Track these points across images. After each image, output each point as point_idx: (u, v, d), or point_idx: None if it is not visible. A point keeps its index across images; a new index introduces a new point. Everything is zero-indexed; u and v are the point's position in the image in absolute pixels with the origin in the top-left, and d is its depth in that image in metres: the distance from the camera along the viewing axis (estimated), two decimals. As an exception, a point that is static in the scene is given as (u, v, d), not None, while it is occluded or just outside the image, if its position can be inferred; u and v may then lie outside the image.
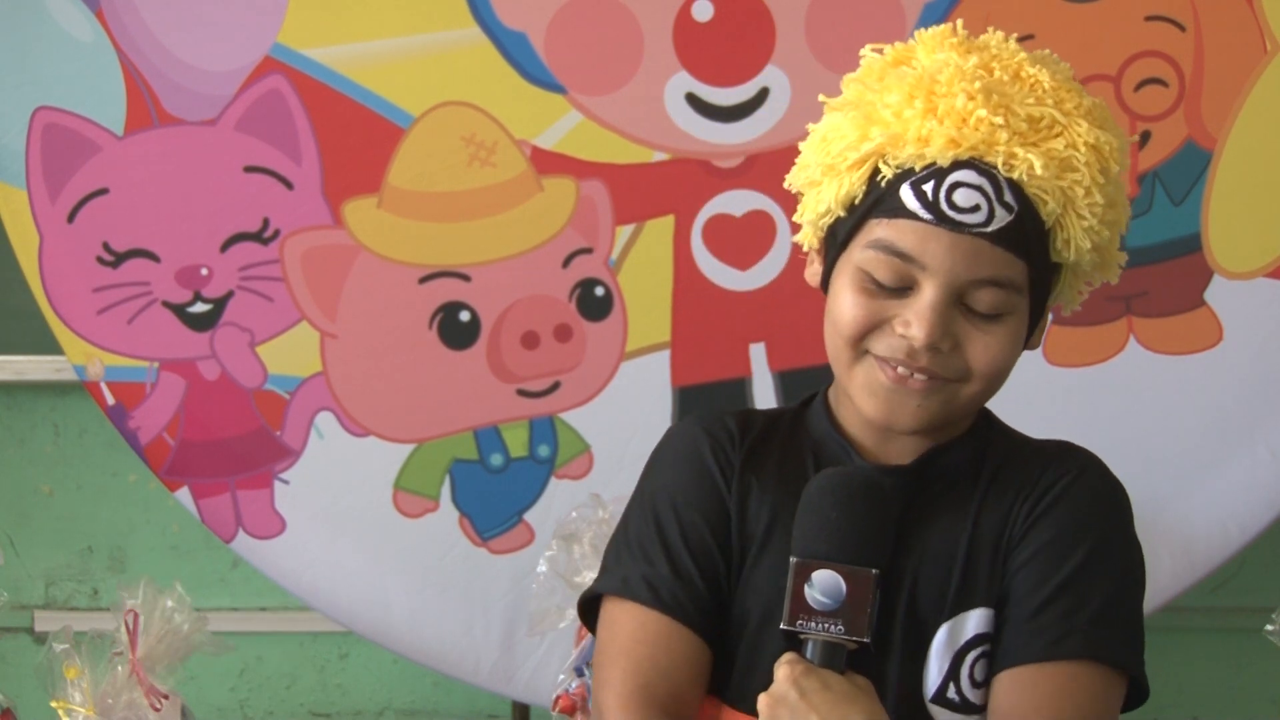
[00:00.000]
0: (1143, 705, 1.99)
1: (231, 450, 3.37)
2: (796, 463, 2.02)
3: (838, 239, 1.97)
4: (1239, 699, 3.79)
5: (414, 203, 3.35)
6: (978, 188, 1.90)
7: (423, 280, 3.36)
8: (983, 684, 1.96)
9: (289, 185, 3.35)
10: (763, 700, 1.86)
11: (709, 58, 3.34)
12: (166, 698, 2.80)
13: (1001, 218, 1.90)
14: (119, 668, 2.79)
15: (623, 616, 2.01)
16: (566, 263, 3.36)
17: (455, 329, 3.36)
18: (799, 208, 2.03)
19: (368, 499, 3.38)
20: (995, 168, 1.91)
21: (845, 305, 1.95)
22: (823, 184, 1.97)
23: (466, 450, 3.38)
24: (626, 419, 3.36)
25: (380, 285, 3.36)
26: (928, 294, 1.91)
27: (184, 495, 3.39)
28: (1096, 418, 3.33)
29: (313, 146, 3.34)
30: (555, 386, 3.37)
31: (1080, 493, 1.98)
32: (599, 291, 3.36)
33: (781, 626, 1.86)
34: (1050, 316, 2.05)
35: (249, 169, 3.35)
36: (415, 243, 3.35)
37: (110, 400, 3.37)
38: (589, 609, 2.07)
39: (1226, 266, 3.35)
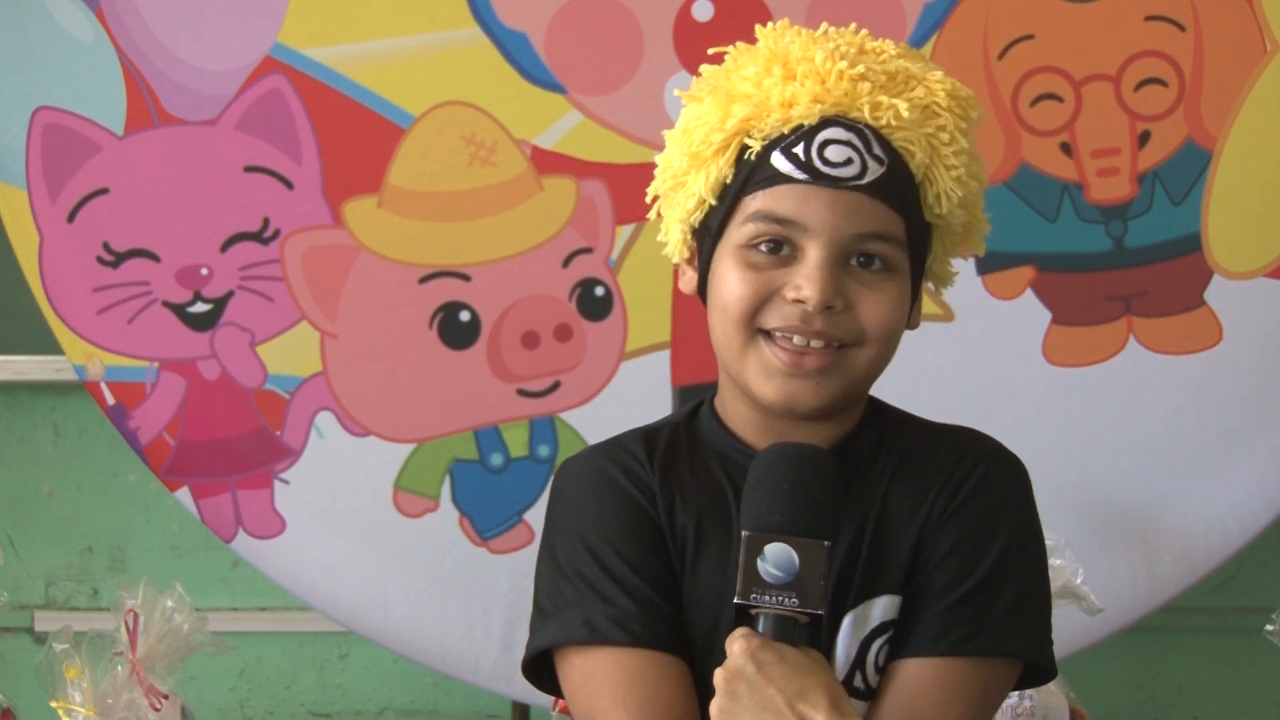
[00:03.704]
0: (1050, 680, 2.02)
1: (231, 450, 3.37)
2: (707, 474, 2.01)
3: (711, 230, 1.98)
4: (1239, 699, 3.79)
5: (414, 203, 3.35)
6: (847, 143, 1.93)
7: (423, 280, 3.36)
8: (884, 669, 1.97)
9: (289, 185, 3.35)
10: (719, 675, 1.84)
11: (709, 58, 3.34)
12: (166, 698, 2.80)
13: (874, 170, 1.93)
14: (119, 668, 2.79)
15: (598, 665, 1.96)
16: (566, 262, 3.36)
17: (455, 329, 3.36)
18: (663, 223, 2.04)
19: (368, 499, 3.38)
20: (861, 123, 1.94)
21: (730, 284, 1.95)
22: (689, 176, 1.99)
23: (466, 450, 3.38)
24: (627, 419, 3.30)
25: (380, 285, 3.36)
26: (814, 254, 1.93)
27: (184, 495, 3.39)
28: (1096, 418, 3.33)
29: (313, 146, 3.34)
30: (555, 386, 3.37)
31: (993, 484, 1.99)
32: (599, 291, 3.37)
33: (734, 601, 1.84)
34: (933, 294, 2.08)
35: (249, 169, 3.35)
36: (415, 243, 3.35)
37: (110, 400, 3.37)
38: (536, 665, 2.02)
39: (1226, 266, 3.35)
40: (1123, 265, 3.35)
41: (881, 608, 1.96)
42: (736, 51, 2.05)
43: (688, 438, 2.05)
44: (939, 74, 1.99)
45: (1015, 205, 3.31)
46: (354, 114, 3.34)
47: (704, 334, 3.35)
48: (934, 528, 1.96)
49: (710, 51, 2.08)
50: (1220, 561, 3.36)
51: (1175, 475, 3.34)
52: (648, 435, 2.06)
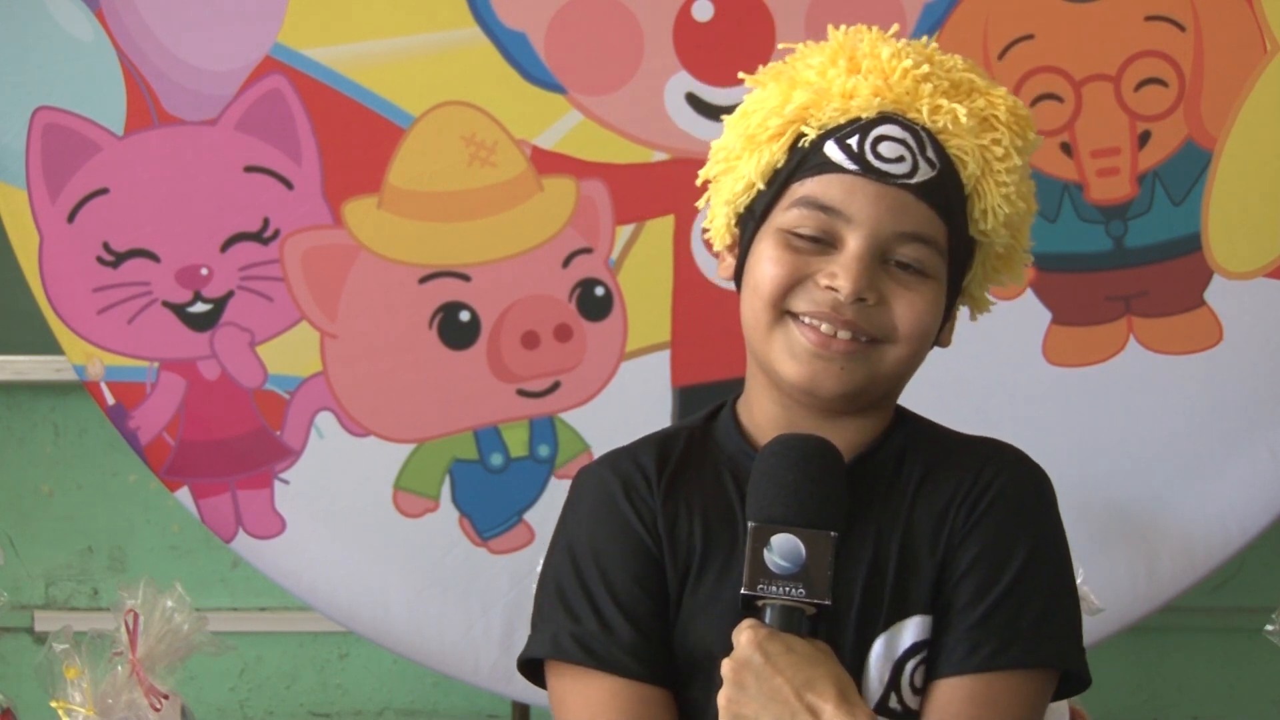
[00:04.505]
0: (1086, 690, 2.00)
1: (231, 450, 3.37)
2: (715, 482, 2.00)
3: (756, 215, 1.98)
4: (1239, 699, 3.79)
5: (414, 203, 3.35)
6: (902, 141, 1.93)
7: (423, 280, 3.36)
8: (922, 690, 1.95)
9: (289, 185, 3.35)
10: (726, 665, 1.84)
11: (709, 58, 3.34)
12: (166, 698, 2.80)
13: (925, 172, 1.93)
14: (119, 668, 2.79)
15: (565, 683, 1.97)
16: (566, 262, 3.36)
17: (455, 329, 3.36)
18: (710, 211, 2.05)
19: (368, 499, 3.38)
20: (919, 125, 1.94)
21: (765, 264, 1.96)
22: (741, 159, 1.99)
23: (466, 450, 3.38)
24: (626, 419, 3.35)
25: (380, 285, 3.36)
26: (853, 245, 1.92)
27: (184, 495, 3.39)
28: (1096, 418, 3.33)
29: (313, 146, 3.34)
30: (555, 386, 3.37)
31: (1012, 494, 1.97)
32: (599, 291, 3.36)
33: (741, 591, 1.83)
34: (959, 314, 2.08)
35: (249, 169, 3.35)
36: (415, 243, 3.35)
37: (110, 400, 3.37)
38: (529, 669, 2.04)
39: (1226, 266, 3.35)
40: (1123, 265, 3.35)
41: (913, 629, 1.94)
42: (807, 46, 2.04)
43: (702, 442, 2.04)
44: (1003, 90, 1.99)
45: (1015, 205, 3.31)
46: (354, 114, 3.34)
47: (704, 334, 3.39)
48: (956, 543, 1.95)
49: (780, 46, 2.08)
50: (1220, 561, 3.36)
51: (1175, 475, 3.34)
52: (663, 442, 2.05)
